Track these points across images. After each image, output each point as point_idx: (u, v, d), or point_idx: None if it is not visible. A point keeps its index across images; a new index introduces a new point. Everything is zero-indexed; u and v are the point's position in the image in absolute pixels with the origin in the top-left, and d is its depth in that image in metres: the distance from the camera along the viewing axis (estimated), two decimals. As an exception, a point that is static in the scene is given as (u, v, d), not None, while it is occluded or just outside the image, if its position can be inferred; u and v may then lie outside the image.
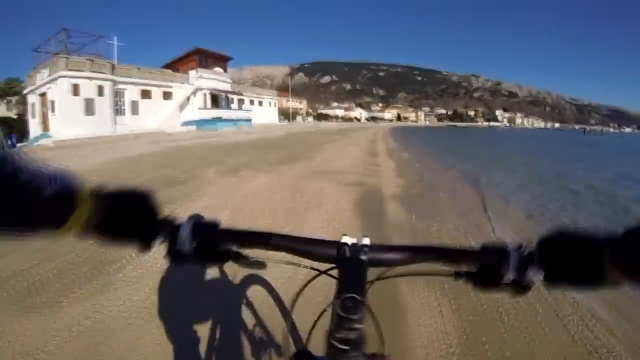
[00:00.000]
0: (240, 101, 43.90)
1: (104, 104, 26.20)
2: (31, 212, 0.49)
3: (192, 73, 35.28)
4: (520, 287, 0.62)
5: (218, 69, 38.60)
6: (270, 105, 53.54)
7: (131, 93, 28.98)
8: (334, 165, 11.17)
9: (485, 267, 0.64)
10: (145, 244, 0.63)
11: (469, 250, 0.66)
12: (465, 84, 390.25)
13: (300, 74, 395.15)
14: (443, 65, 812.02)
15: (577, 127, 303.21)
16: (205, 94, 35.42)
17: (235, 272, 2.36)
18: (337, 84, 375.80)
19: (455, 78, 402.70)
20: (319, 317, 0.71)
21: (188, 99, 33.81)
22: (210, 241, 0.66)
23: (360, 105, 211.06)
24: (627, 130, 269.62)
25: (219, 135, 24.51)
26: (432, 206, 6.48)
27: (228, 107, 39.11)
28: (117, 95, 27.92)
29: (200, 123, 31.88)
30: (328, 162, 11.75)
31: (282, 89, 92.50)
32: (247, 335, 2.03)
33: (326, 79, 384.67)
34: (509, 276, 0.61)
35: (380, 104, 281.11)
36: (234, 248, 0.69)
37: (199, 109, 33.55)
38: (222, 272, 2.48)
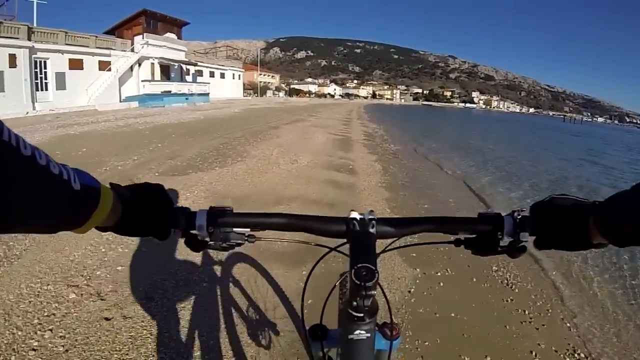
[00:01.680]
0: (198, 73, 39.26)
1: (16, 77, 20.83)
2: (59, 206, 0.50)
3: (137, 39, 30.41)
4: (515, 249, 0.70)
5: (170, 35, 33.71)
6: (234, 78, 48.45)
7: (56, 63, 23.53)
8: (279, 173, 7.59)
9: (483, 233, 0.72)
10: (163, 234, 0.68)
11: (468, 218, 0.74)
12: (441, 64, 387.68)
13: (276, 49, 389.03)
14: (420, 44, 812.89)
15: (551, 113, 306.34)
16: (152, 64, 30.79)
17: (247, 253, 2.96)
18: (312, 59, 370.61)
19: (432, 58, 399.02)
20: (330, 292, 0.83)
21: (131, 69, 29.08)
22: (225, 226, 0.71)
23: (334, 82, 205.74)
24: (600, 120, 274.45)
25: (158, 114, 20.40)
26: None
27: (182, 79, 34.52)
28: (37, 66, 22.55)
29: (143, 99, 27.24)
30: (268, 168, 8.06)
31: (256, 63, 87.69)
32: (260, 311, 2.45)
33: (301, 54, 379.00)
34: (505, 240, 0.69)
35: (355, 81, 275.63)
36: (248, 231, 0.74)
37: (143, 81, 28.85)
38: (235, 254, 2.93)
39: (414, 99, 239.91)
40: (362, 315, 0.65)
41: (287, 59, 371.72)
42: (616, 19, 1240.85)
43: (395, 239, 0.78)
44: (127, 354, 2.21)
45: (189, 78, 36.24)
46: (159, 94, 28.75)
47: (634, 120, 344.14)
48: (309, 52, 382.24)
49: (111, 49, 27.80)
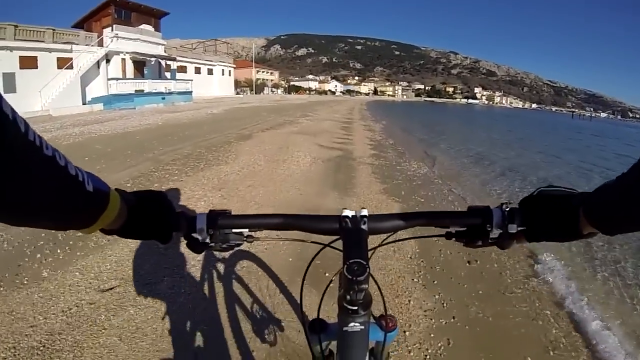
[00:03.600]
0: (181, 69, 35.42)
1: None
2: (73, 205, 0.52)
3: (106, 32, 26.55)
4: (505, 241, 0.71)
5: (146, 27, 29.73)
6: (223, 74, 44.01)
7: (3, 62, 19.59)
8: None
9: (473, 226, 0.74)
10: (166, 237, 0.71)
11: (458, 212, 0.76)
12: (443, 60, 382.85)
13: (277, 46, 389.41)
14: (421, 41, 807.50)
15: (554, 108, 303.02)
16: (123, 60, 26.96)
17: (246, 253, 3.11)
18: (313, 56, 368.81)
19: (433, 54, 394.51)
20: (327, 287, 0.85)
21: (98, 66, 25.28)
22: (224, 228, 0.75)
23: (335, 78, 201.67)
24: (603, 115, 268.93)
25: (119, 118, 16.62)
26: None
27: (160, 76, 30.57)
28: (-22, 67, 18.60)
29: (109, 100, 23.38)
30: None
31: (258, 61, 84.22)
32: (259, 308, 2.51)
33: (302, 51, 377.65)
34: (494, 232, 0.71)
35: (356, 78, 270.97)
36: (246, 232, 0.78)
37: (110, 79, 24.88)
38: (235, 254, 3.01)
39: (416, 95, 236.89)
40: (355, 308, 0.68)
41: (288, 56, 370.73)
42: (618, 14, 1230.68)
43: (388, 234, 0.81)
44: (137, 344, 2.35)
45: (171, 75, 32.42)
46: (129, 93, 24.91)
47: (637, 115, 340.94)
48: (310, 49, 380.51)
49: (73, 43, 23.75)
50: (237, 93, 51.13)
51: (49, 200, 0.47)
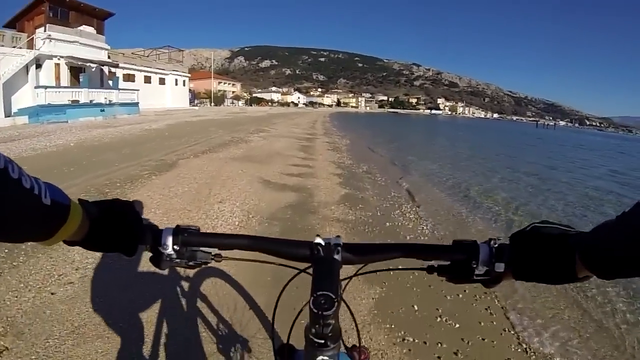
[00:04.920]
0: (128, 77, 32.26)
1: None
2: (27, 219, 0.51)
3: (39, 32, 23.42)
4: (491, 279, 0.68)
5: (86, 29, 26.50)
6: (176, 84, 40.64)
7: None
8: None
9: (457, 262, 0.70)
10: (131, 250, 0.68)
11: (441, 246, 0.72)
12: (406, 72, 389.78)
13: (240, 58, 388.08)
14: (384, 53, 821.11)
15: (514, 118, 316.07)
16: (57, 65, 23.84)
17: (214, 272, 2.52)
18: (276, 68, 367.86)
19: (396, 66, 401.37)
20: (299, 313, 0.80)
21: (27, 72, 22.10)
22: (191, 245, 0.72)
23: (299, 90, 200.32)
24: (562, 123, 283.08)
25: (33, 136, 13.66)
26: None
27: (102, 85, 27.32)
28: None
29: (36, 111, 20.06)
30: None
31: (222, 73, 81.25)
32: (227, 332, 2.22)
33: (266, 63, 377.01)
34: (480, 269, 0.67)
35: (320, 89, 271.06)
36: (214, 250, 0.74)
37: (37, 88, 21.43)
38: (202, 273, 2.52)
39: (380, 107, 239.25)
40: (322, 341, 0.62)
41: (252, 68, 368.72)
42: (575, 24, 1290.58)
43: (362, 265, 0.77)
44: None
45: (112, 84, 28.90)
46: (61, 105, 21.65)
47: (594, 123, 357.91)
48: (274, 61, 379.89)
49: (-6, 44, 20.73)
50: (194, 105, 48.06)
51: (1, 214, 0.46)
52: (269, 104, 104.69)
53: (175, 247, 0.69)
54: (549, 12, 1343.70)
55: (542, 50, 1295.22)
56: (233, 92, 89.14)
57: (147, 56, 40.51)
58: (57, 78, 23.82)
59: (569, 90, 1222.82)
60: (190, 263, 0.72)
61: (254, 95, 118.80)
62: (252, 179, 7.96)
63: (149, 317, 2.72)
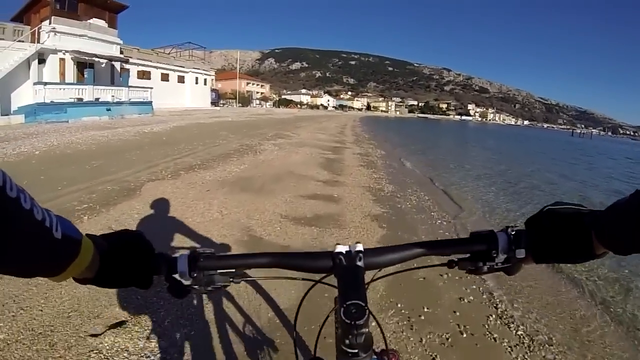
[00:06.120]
0: (143, 75, 30.21)
1: None
2: (37, 254, 0.49)
3: (44, 25, 21.53)
4: (512, 266, 0.69)
5: (96, 22, 24.51)
6: (197, 82, 37.85)
7: None
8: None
9: (477, 253, 0.71)
10: (146, 283, 0.67)
11: (460, 239, 0.73)
12: (436, 76, 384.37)
13: (271, 60, 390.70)
14: (414, 57, 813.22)
15: (545, 125, 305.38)
16: (62, 60, 21.87)
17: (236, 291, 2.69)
18: (307, 70, 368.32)
19: (426, 70, 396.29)
20: (322, 325, 0.79)
21: (28, 67, 20.09)
22: (208, 269, 0.70)
23: (329, 93, 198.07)
24: (594, 132, 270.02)
25: (22, 138, 11.57)
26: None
27: (112, 82, 25.16)
28: None
29: (34, 110, 18.05)
30: None
31: (252, 74, 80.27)
32: (253, 348, 2.25)
33: (296, 65, 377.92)
34: (500, 257, 0.68)
35: (349, 93, 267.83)
36: (233, 271, 0.73)
37: (36, 84, 19.24)
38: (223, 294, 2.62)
39: (409, 111, 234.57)
40: (356, 351, 0.61)
41: (282, 70, 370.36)
42: (609, 31, 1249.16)
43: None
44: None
45: (122, 80, 26.39)
46: (62, 103, 19.50)
47: (627, 132, 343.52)
48: (304, 63, 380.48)
49: (-7, 37, 18.87)
50: (216, 105, 45.89)
51: (9, 247, 0.44)
52: (298, 106, 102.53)
53: (192, 273, 0.67)
54: (578, 19, 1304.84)
55: (574, 56, 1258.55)
56: (262, 93, 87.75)
57: (168, 53, 38.47)
58: (62, 74, 21.84)
59: (600, 97, 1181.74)
60: (209, 288, 0.71)
61: (283, 96, 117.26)
62: (232, 229, 4.72)
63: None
